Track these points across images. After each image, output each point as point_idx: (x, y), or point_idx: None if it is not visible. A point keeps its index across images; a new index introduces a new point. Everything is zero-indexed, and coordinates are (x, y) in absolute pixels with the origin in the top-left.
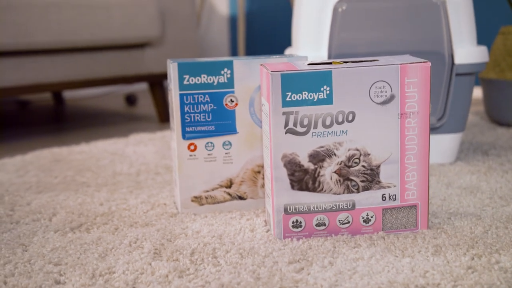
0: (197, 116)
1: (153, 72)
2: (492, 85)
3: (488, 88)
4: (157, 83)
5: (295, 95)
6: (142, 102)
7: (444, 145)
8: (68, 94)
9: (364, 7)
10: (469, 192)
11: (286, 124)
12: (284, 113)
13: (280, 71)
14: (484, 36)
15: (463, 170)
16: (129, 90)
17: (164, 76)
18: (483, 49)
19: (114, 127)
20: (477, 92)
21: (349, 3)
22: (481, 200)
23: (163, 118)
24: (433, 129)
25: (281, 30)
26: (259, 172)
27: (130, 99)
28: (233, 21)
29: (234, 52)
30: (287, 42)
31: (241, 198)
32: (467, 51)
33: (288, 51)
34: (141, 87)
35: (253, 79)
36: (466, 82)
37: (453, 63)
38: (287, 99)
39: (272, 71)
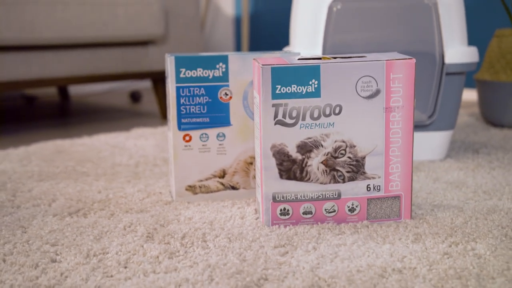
0: (193, 108)
1: (156, 70)
2: (487, 87)
3: (483, 90)
4: (160, 80)
5: (284, 88)
6: (146, 99)
7: (434, 142)
8: (73, 91)
9: (358, 7)
10: (454, 187)
11: (276, 116)
12: (273, 105)
13: (271, 64)
14: (480, 39)
15: (452, 166)
16: (134, 87)
17: None
18: (473, 49)
19: (117, 122)
20: (473, 94)
21: (344, 2)
22: (465, 194)
23: (166, 114)
24: (424, 127)
25: (284, 31)
26: (251, 163)
27: (135, 96)
28: (238, 22)
29: None
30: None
31: (233, 188)
32: (458, 51)
33: (285, 50)
34: (146, 85)
35: (247, 74)
36: (456, 81)
37: (443, 63)
38: (277, 91)
39: (263, 65)
